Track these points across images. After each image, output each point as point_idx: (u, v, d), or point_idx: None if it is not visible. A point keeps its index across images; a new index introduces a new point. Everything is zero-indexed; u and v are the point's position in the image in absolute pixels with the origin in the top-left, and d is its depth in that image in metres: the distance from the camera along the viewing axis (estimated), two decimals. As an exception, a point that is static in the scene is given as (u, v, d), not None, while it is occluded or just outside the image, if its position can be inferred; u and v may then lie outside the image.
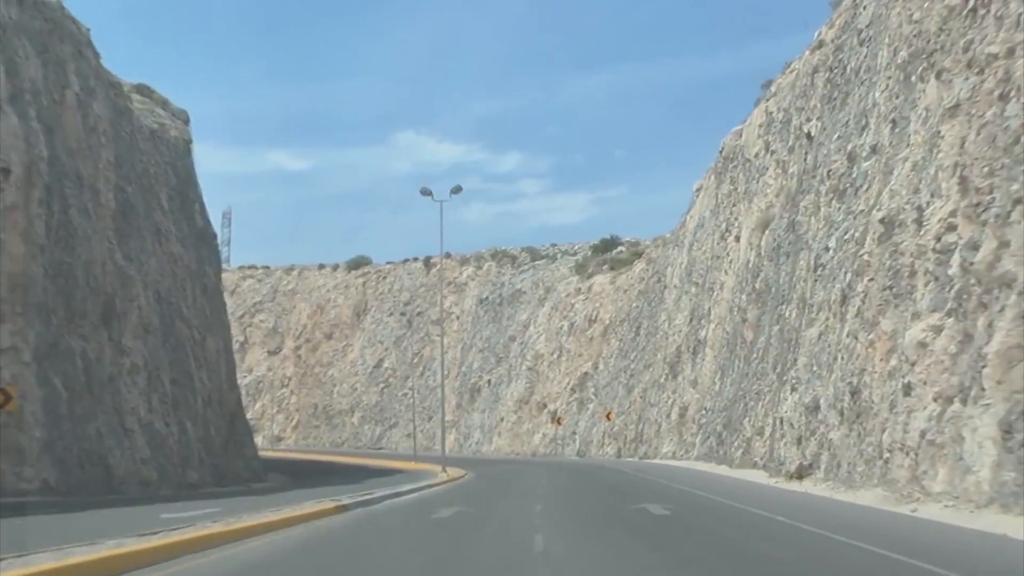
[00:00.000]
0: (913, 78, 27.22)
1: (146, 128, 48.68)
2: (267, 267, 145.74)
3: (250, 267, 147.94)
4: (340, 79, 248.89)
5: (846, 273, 30.37)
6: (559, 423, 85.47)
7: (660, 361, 67.77)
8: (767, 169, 52.03)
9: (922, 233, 24.04)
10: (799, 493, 27.34)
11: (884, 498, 22.71)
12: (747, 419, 42.62)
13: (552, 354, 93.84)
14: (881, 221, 27.05)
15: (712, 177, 65.58)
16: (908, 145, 27.08)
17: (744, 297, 50.59)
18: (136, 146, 45.39)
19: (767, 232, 48.82)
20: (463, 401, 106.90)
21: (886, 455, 24.24)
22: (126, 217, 41.20)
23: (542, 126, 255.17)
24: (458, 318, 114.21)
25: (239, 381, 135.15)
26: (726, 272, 56.69)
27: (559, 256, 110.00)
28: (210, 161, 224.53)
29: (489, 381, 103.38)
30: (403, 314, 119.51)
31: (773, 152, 51.67)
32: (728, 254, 56.89)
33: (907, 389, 23.19)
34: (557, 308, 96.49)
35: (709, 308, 58.74)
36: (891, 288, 25.97)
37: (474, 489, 33.40)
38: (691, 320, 62.56)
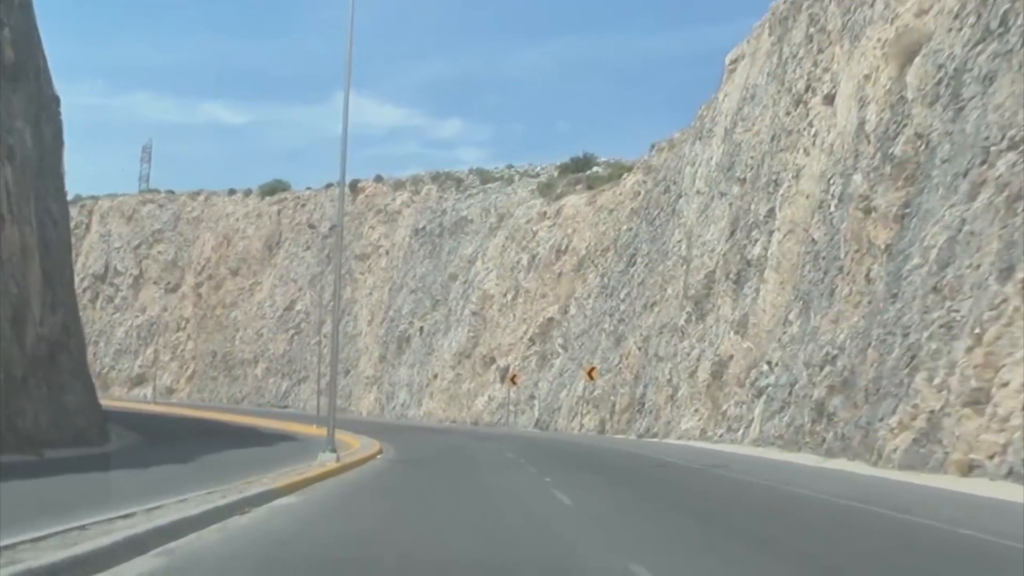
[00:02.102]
0: None
1: None
2: (171, 191, 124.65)
3: (152, 191, 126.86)
4: (281, 34, 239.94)
5: None
6: (513, 383, 64.85)
7: (674, 297, 47.17)
8: (894, -21, 31.81)
9: None
10: None
11: None
12: (920, 375, 22.28)
13: (505, 295, 73.46)
14: None
15: (765, 33, 44.92)
16: None
17: (859, 179, 30.25)
18: None
19: (917, 62, 28.58)
20: (388, 353, 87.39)
21: None
22: None
23: (484, 94, 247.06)
24: (387, 252, 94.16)
25: (131, 321, 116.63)
26: (806, 152, 36.29)
27: (517, 178, 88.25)
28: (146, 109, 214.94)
29: (422, 329, 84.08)
30: (318, 231, 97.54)
31: (909, -51, 31.42)
32: (811, 125, 36.43)
33: None
34: (513, 238, 75.50)
35: (771, 211, 38.29)
36: None
37: (393, 541, 12.48)
38: (732, 234, 41.95)
